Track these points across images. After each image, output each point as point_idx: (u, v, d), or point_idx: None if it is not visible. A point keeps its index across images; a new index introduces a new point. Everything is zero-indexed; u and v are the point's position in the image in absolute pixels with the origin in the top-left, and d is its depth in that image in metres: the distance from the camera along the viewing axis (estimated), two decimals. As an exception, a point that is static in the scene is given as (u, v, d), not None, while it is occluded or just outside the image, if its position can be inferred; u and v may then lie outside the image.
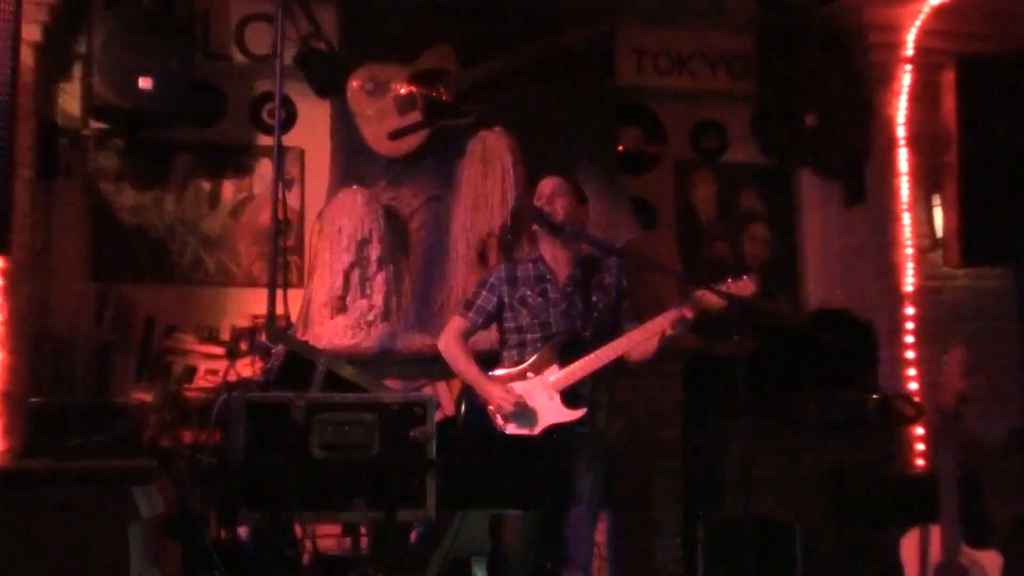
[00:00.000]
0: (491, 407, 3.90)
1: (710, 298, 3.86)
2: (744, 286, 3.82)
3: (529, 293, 4.07)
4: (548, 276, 4.09)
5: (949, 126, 5.33)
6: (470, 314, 4.11)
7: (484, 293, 4.12)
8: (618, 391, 4.96)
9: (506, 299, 4.08)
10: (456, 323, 4.14)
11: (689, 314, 3.86)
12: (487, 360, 4.08)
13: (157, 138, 5.25)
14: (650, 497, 5.03)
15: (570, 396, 3.91)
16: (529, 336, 4.03)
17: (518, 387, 3.93)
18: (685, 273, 5.13)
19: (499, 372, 4.00)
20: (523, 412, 3.89)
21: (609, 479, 4.96)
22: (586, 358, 3.91)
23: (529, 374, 3.94)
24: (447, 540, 3.71)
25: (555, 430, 3.85)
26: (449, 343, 4.12)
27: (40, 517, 3.01)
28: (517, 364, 4.00)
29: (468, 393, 4.06)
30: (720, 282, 3.86)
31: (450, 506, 3.21)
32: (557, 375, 3.91)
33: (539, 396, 3.91)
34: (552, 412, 3.86)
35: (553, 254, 4.11)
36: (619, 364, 4.07)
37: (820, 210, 6.20)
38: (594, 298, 4.08)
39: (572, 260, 4.10)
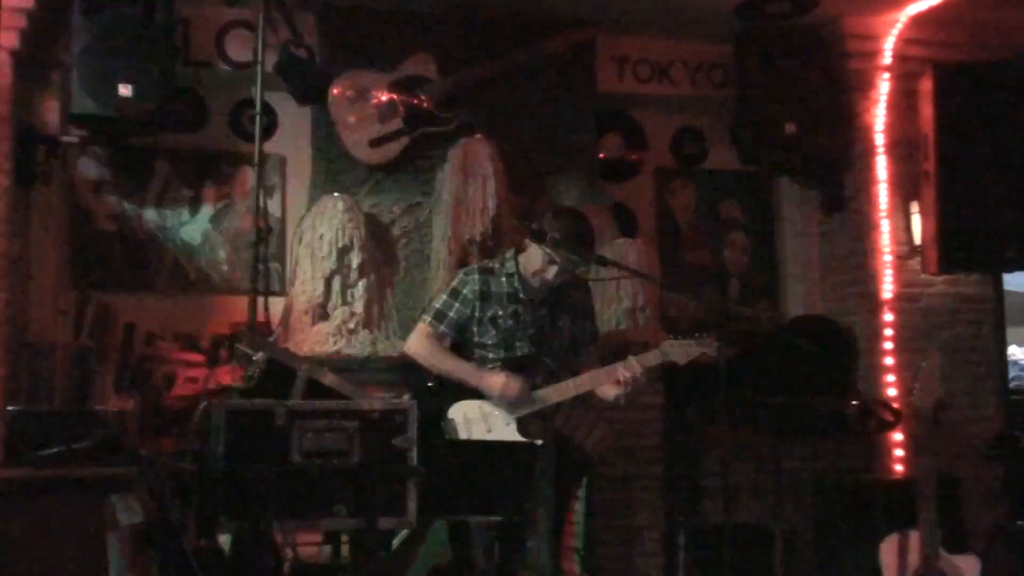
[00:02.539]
0: (495, 396, 3.89)
1: (677, 354, 3.91)
2: (709, 344, 3.85)
3: (501, 313, 4.03)
4: (521, 295, 4.06)
5: (926, 134, 5.37)
6: (440, 325, 4.05)
7: (457, 305, 4.06)
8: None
9: (477, 313, 4.04)
10: (424, 329, 4.06)
11: (638, 375, 3.90)
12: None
13: (137, 145, 5.22)
14: (630, 503, 5.04)
15: (528, 424, 3.93)
16: (491, 355, 4.03)
17: (474, 405, 3.94)
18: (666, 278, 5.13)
19: None
20: (482, 435, 3.89)
21: (589, 487, 4.99)
22: (546, 391, 3.93)
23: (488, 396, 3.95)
24: (420, 549, 3.72)
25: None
26: (422, 344, 4.05)
27: (18, 526, 2.99)
28: None
29: (420, 403, 4.01)
30: (692, 336, 3.92)
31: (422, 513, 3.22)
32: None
33: (497, 421, 3.92)
34: (509, 438, 3.87)
35: (530, 271, 4.08)
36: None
37: (800, 218, 6.23)
38: (560, 322, 4.08)
39: (540, 287, 4.07)
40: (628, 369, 3.89)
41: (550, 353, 4.04)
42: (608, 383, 3.97)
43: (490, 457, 3.48)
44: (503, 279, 4.08)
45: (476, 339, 4.05)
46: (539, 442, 3.87)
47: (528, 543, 3.99)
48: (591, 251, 4.05)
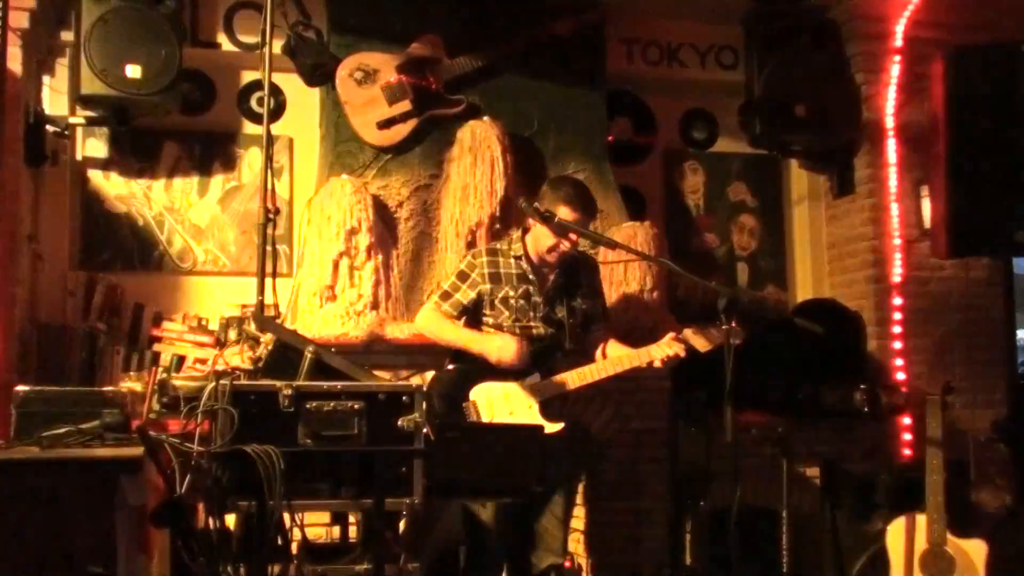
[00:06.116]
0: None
1: (699, 341, 3.88)
2: (737, 334, 3.65)
3: (512, 294, 4.04)
4: (531, 276, 4.06)
5: (937, 117, 5.33)
6: (445, 306, 4.09)
7: (463, 287, 4.08)
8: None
9: (487, 296, 4.05)
10: (431, 306, 4.12)
11: (683, 354, 3.88)
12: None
13: (145, 126, 5.23)
14: (637, 487, 5.04)
15: (548, 406, 3.91)
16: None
17: (497, 387, 3.93)
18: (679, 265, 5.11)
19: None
20: (504, 417, 3.88)
21: (597, 469, 5.00)
22: (570, 375, 3.93)
23: (510, 376, 3.94)
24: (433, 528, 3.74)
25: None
26: (426, 317, 4.10)
27: (27, 506, 3.01)
28: None
29: (438, 386, 4.03)
30: (713, 324, 3.85)
31: (433, 496, 3.23)
32: (539, 384, 3.91)
33: (519, 401, 3.91)
34: (531, 420, 3.86)
35: (539, 253, 4.09)
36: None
37: (809, 201, 6.21)
38: (573, 302, 4.07)
39: (556, 261, 4.08)
40: (651, 357, 3.91)
41: (570, 338, 4.03)
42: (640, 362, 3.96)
43: (500, 439, 3.48)
44: (512, 260, 4.10)
45: (491, 321, 4.06)
46: (560, 425, 3.89)
47: (538, 525, 4.00)
48: (593, 214, 4.09)
